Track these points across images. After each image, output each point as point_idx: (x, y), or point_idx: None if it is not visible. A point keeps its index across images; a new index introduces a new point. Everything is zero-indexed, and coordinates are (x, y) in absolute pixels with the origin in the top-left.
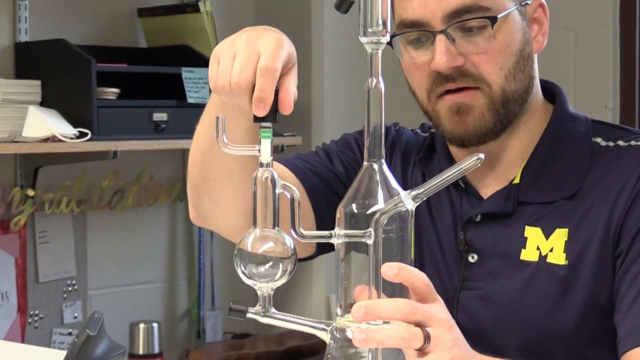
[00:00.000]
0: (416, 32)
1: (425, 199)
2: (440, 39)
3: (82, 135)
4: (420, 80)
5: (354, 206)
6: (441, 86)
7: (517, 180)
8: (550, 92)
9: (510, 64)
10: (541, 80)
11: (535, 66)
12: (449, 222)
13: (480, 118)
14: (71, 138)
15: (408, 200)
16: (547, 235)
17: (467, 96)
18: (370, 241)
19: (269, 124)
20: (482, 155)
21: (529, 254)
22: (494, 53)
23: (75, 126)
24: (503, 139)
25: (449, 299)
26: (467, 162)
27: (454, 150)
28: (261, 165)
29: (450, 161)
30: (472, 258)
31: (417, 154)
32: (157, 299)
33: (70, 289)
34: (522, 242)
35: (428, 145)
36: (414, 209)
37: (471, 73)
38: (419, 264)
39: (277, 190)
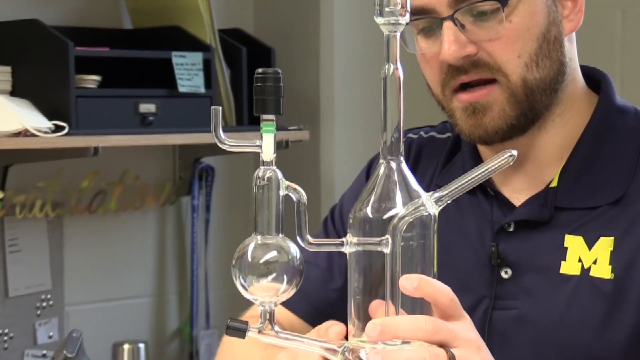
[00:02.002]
0: (422, 19)
1: (449, 201)
2: (448, 26)
3: (58, 129)
4: (432, 73)
5: (368, 210)
6: (454, 79)
7: (554, 183)
8: (595, 80)
9: (531, 50)
10: (583, 67)
11: (567, 50)
12: (477, 233)
13: (500, 116)
14: (46, 132)
15: (430, 204)
16: (590, 244)
17: (483, 95)
18: (387, 250)
19: (271, 116)
20: (514, 152)
21: (569, 267)
22: (509, 38)
23: (50, 119)
24: (534, 134)
25: (478, 320)
26: (498, 160)
27: (482, 149)
28: (263, 163)
29: (477, 163)
30: (506, 273)
31: (436, 167)
32: (143, 316)
33: (44, 304)
34: (562, 254)
35: (451, 149)
36: (437, 214)
37: (485, 62)
38: (442, 281)
39: (281, 192)
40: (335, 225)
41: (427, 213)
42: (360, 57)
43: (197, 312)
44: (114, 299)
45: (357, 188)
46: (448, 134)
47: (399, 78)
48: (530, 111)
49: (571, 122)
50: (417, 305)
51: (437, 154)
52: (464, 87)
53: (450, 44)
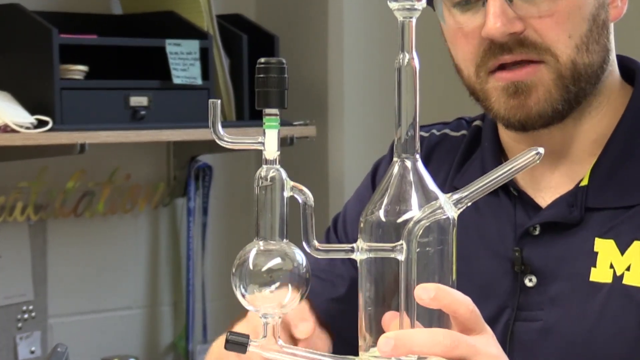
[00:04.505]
0: None
1: (470, 204)
2: None
3: (41, 124)
4: (467, 50)
5: (381, 213)
6: (494, 59)
7: (585, 182)
8: (629, 70)
9: (582, 32)
10: (617, 56)
11: (612, 37)
12: (498, 237)
13: (546, 98)
14: (27, 128)
15: (449, 206)
16: (623, 249)
17: (529, 74)
18: (401, 257)
19: (275, 111)
20: (541, 150)
21: (600, 274)
22: (561, 16)
23: (32, 113)
24: (570, 126)
25: (500, 332)
26: (523, 158)
27: (509, 144)
28: (265, 161)
29: (498, 161)
30: (530, 281)
31: (451, 168)
32: (135, 329)
33: (26, 316)
34: (592, 259)
35: (467, 147)
36: (456, 217)
37: (532, 42)
38: (460, 290)
39: (286, 193)
40: (338, 236)
41: (445, 216)
42: (372, 46)
43: (194, 325)
44: (103, 310)
45: (362, 195)
46: (463, 132)
47: (415, 69)
48: (575, 98)
49: (607, 116)
50: (434, 318)
51: (452, 153)
52: (503, 67)
53: (496, 17)
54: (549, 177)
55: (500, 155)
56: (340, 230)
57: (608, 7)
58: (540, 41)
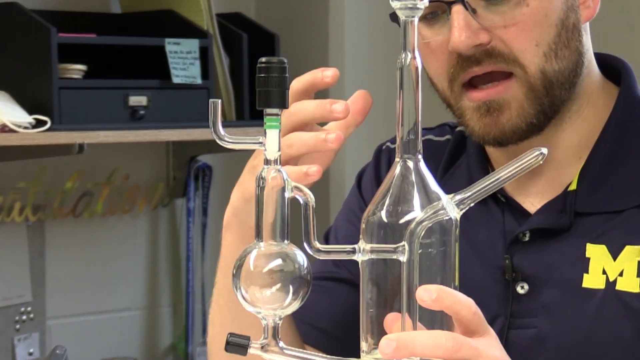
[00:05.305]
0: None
1: (472, 205)
2: (458, 11)
3: (39, 124)
4: (437, 65)
5: (383, 214)
6: (464, 73)
7: (573, 186)
8: (613, 70)
9: (550, 38)
10: (599, 55)
11: (586, 39)
12: (488, 245)
13: (519, 114)
14: (26, 128)
15: (451, 207)
16: (615, 254)
17: (499, 92)
18: (403, 258)
19: (276, 111)
20: (544, 150)
21: (592, 280)
22: (526, 24)
23: (30, 113)
24: (550, 133)
25: None
26: (526, 159)
27: (491, 151)
28: (267, 162)
29: (484, 168)
30: (522, 288)
31: (436, 173)
32: (134, 331)
33: (24, 317)
34: (584, 265)
35: (452, 152)
36: (459, 218)
37: (500, 52)
38: None
39: (287, 194)
40: None
41: (447, 217)
42: (374, 45)
43: (193, 326)
44: (102, 311)
45: (352, 205)
46: (447, 136)
47: (417, 68)
48: (549, 108)
49: (589, 119)
50: (436, 319)
51: (436, 158)
52: (474, 82)
53: (460, 30)
54: (536, 182)
55: (486, 162)
56: (333, 244)
57: (578, 8)
58: (507, 51)
